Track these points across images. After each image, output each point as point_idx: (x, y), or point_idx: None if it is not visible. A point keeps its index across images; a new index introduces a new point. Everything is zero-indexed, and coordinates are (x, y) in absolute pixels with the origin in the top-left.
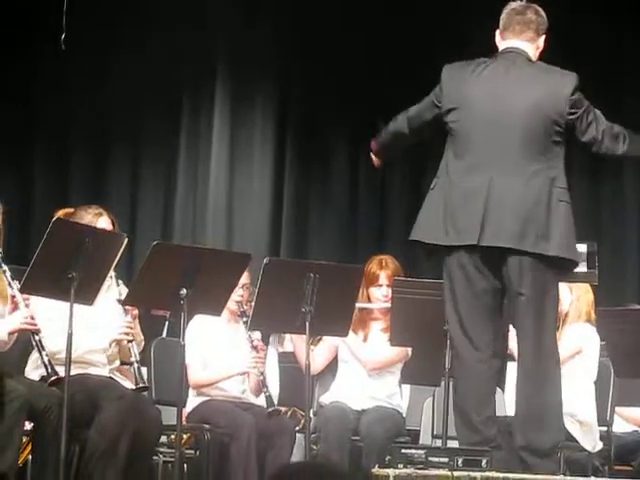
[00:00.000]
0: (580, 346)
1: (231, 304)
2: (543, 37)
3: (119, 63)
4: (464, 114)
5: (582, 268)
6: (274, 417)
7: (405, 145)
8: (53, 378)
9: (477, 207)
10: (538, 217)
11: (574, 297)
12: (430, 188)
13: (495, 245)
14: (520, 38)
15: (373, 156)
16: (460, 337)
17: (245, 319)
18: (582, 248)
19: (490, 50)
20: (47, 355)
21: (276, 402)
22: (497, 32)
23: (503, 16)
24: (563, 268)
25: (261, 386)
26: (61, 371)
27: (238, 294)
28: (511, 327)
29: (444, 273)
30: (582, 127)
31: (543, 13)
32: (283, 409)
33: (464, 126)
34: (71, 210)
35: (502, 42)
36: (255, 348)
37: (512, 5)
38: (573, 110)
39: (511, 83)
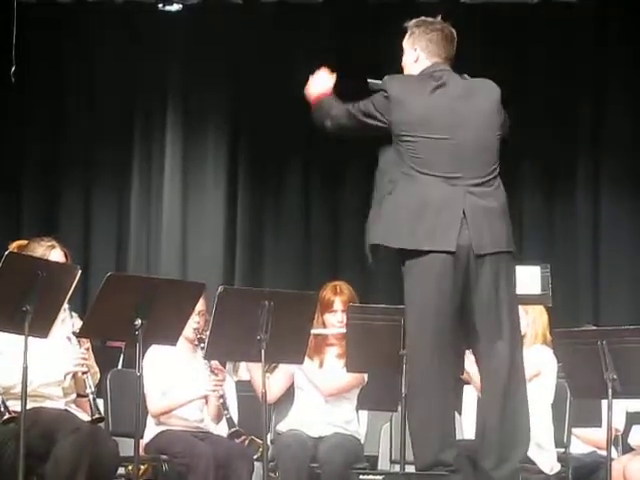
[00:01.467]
0: (538, 369)
1: (188, 331)
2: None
3: (72, 94)
4: (423, 130)
5: (536, 290)
6: (235, 439)
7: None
8: (6, 417)
9: (455, 215)
10: (507, 219)
11: (530, 319)
12: (387, 193)
13: (482, 252)
14: (447, 57)
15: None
16: (427, 363)
17: (202, 345)
18: (535, 270)
19: None
20: (1, 393)
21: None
22: (417, 50)
23: (430, 37)
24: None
25: (221, 410)
26: (16, 405)
27: (195, 321)
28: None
29: (411, 284)
30: (505, 124)
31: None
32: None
33: (422, 140)
34: (24, 243)
35: (426, 60)
36: (214, 372)
37: (436, 27)
38: (502, 112)
39: (461, 97)
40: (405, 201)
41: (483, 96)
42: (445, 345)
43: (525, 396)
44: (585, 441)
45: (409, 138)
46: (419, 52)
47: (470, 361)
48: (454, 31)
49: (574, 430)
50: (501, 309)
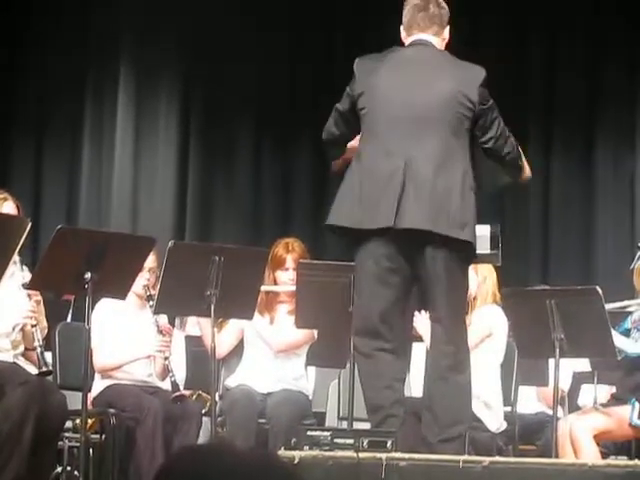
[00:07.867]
0: (490, 330)
1: (138, 288)
2: (447, 28)
3: (24, 48)
4: (373, 100)
5: (485, 249)
6: (178, 402)
7: (347, 140)
8: None
9: (391, 191)
10: (452, 204)
11: (480, 279)
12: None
13: (410, 227)
14: (426, 32)
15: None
16: (367, 328)
17: (151, 303)
18: (485, 229)
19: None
20: None
21: (183, 385)
22: (401, 28)
23: (405, 13)
24: (468, 254)
25: (166, 370)
26: None
27: (145, 278)
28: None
29: (356, 261)
30: (485, 123)
31: (444, 4)
32: (188, 393)
33: (373, 112)
34: None
35: (408, 38)
36: (161, 332)
37: (413, 1)
38: (481, 103)
39: (422, 72)
40: (350, 178)
41: (449, 77)
42: (380, 311)
43: (466, 374)
44: (543, 397)
45: (361, 111)
46: (402, 30)
47: (419, 319)
48: (434, 2)
49: (540, 389)
50: (440, 287)
